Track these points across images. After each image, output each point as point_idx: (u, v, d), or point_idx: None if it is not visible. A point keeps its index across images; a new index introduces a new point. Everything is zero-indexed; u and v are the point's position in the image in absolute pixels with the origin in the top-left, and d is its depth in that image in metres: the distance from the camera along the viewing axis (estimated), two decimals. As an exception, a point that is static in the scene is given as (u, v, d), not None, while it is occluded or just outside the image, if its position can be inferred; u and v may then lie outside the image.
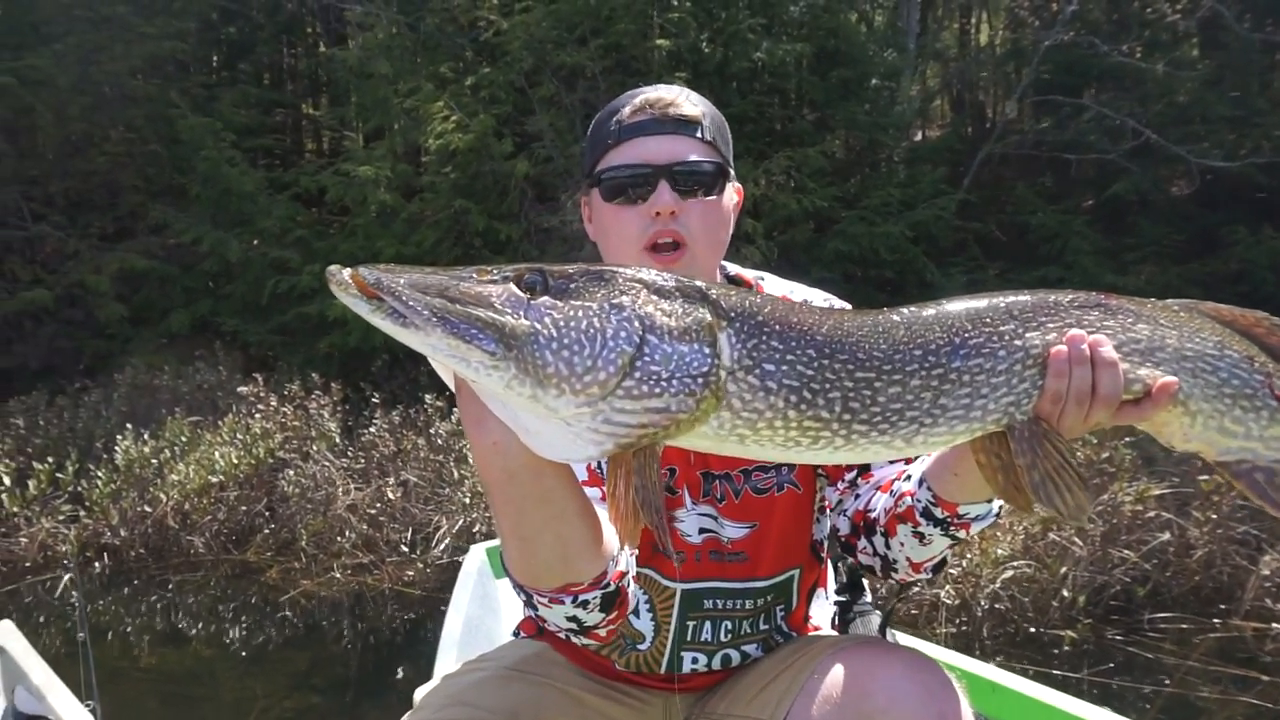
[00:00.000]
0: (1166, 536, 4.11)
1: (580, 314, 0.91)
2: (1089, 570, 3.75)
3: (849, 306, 1.44)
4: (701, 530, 1.46)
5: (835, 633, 1.61)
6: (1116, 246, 10.11)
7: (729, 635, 1.48)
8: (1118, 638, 3.82)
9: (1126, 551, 3.97)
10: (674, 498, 1.45)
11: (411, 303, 0.87)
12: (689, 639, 1.47)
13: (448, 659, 2.13)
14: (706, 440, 0.98)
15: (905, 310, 1.10)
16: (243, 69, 11.96)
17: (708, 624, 1.47)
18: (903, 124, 11.23)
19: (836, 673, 1.29)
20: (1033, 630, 3.91)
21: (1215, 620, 3.96)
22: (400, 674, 4.51)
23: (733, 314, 0.97)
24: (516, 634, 1.63)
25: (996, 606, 3.97)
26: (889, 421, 1.03)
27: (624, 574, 1.24)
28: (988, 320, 1.08)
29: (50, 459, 5.93)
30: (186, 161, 9.92)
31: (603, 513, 1.18)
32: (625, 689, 1.51)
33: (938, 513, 1.30)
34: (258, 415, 6.32)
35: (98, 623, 5.21)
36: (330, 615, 4.93)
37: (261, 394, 6.42)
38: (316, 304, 9.05)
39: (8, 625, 3.06)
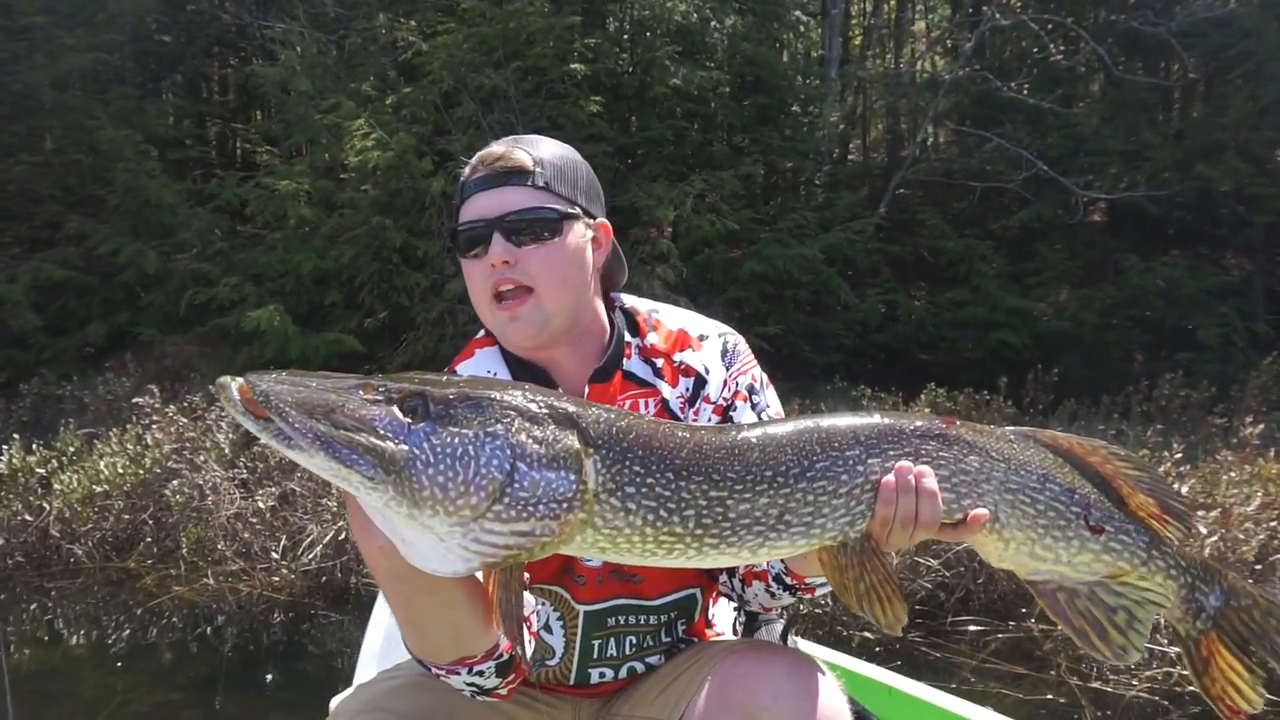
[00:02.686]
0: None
1: (456, 440, 0.95)
2: (899, 575, 3.99)
3: (734, 336, 1.60)
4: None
5: (734, 636, 1.70)
6: (1019, 271, 10.53)
7: (633, 649, 1.56)
8: (917, 639, 4.06)
9: (933, 560, 4.22)
10: None
11: (296, 425, 0.91)
12: (595, 656, 1.55)
13: (367, 670, 2.15)
14: (572, 550, 1.08)
15: (762, 429, 1.19)
16: (172, 81, 11.99)
17: (612, 640, 1.55)
18: (821, 150, 11.57)
19: (728, 674, 1.38)
20: (844, 632, 4.16)
21: (1011, 623, 4.24)
22: (270, 678, 4.62)
23: (599, 440, 1.03)
24: None
25: (815, 610, 4.20)
26: (737, 535, 1.14)
27: (515, 644, 1.30)
28: (836, 445, 1.17)
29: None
30: (106, 172, 9.93)
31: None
32: (535, 695, 1.59)
33: (787, 579, 1.45)
34: (153, 426, 6.37)
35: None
36: (198, 620, 5.02)
37: (157, 405, 6.47)
38: (234, 315, 9.11)
39: None
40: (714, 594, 1.65)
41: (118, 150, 9.60)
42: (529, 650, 1.37)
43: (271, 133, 10.61)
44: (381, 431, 0.94)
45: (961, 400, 7.41)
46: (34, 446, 6.28)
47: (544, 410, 1.02)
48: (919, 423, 1.23)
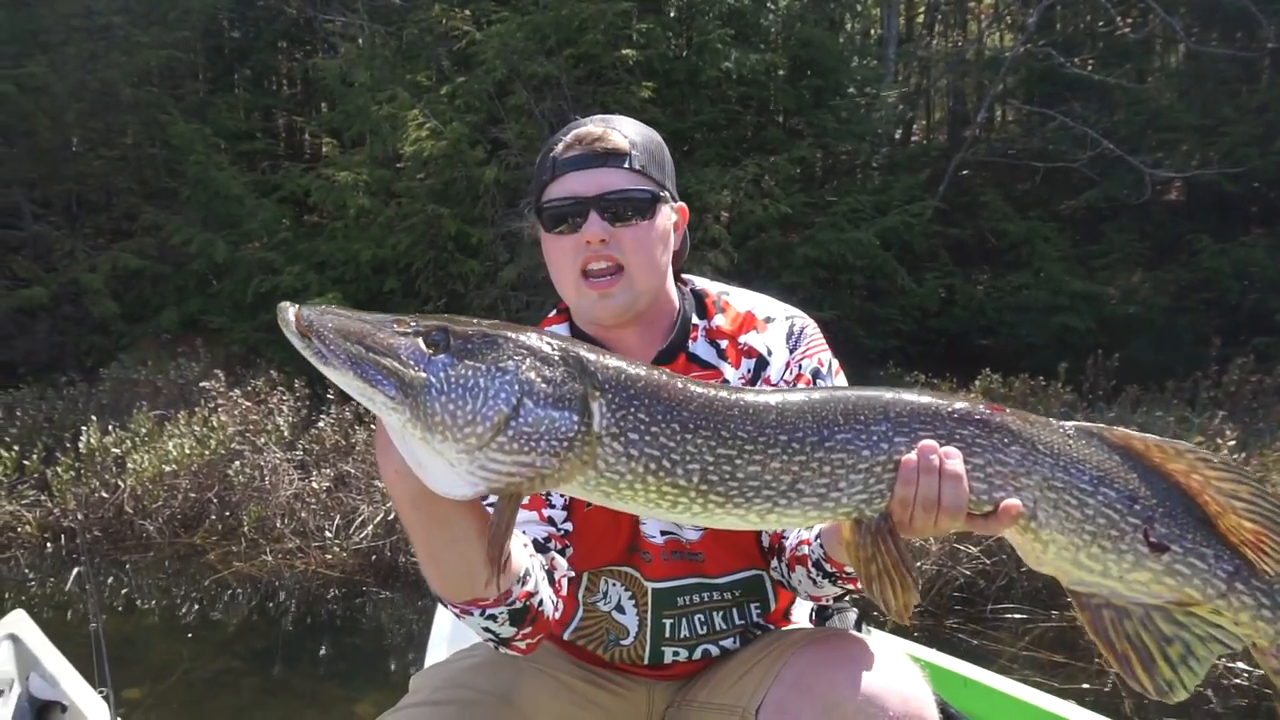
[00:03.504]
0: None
1: (469, 373, 1.01)
2: (936, 564, 3.94)
3: (803, 320, 1.58)
4: (663, 532, 1.54)
5: (811, 626, 1.67)
6: (1085, 253, 10.21)
7: (705, 629, 1.56)
8: (955, 625, 4.02)
9: (972, 547, 4.16)
10: None
11: (333, 346, 1.01)
12: (667, 636, 1.56)
13: (438, 651, 2.19)
14: (576, 491, 1.09)
15: (784, 394, 1.16)
16: (241, 75, 12.39)
17: (684, 620, 1.56)
18: (878, 132, 11.37)
19: (808, 663, 1.36)
20: (881, 617, 4.13)
21: (1053, 612, 4.15)
22: (323, 650, 4.82)
23: (607, 384, 1.05)
24: None
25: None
26: (744, 496, 1.10)
27: (532, 594, 1.32)
28: (862, 418, 1.12)
29: (17, 448, 6.33)
30: (178, 165, 10.34)
31: (518, 537, 1.32)
32: (610, 676, 1.60)
33: (827, 567, 1.41)
34: (219, 410, 6.65)
35: (56, 597, 5.57)
36: (258, 594, 5.26)
37: (222, 389, 6.75)
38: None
39: (20, 614, 3.08)
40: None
41: (188, 144, 9.98)
42: (529, 591, 1.33)
43: (333, 124, 10.89)
44: (405, 358, 1.01)
45: (1017, 386, 7.24)
46: (110, 428, 6.63)
47: (556, 353, 1.06)
48: (960, 405, 1.16)
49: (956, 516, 1.12)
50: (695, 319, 1.58)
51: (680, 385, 1.12)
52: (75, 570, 5.55)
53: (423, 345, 1.03)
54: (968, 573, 4.17)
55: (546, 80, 9.43)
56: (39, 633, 2.92)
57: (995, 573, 4.33)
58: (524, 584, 1.31)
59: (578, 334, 1.56)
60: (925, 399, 1.17)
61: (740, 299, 1.62)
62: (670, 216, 1.53)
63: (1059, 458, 1.13)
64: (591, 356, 1.08)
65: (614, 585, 1.57)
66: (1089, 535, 1.12)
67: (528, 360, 1.03)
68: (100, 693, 2.44)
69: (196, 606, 5.37)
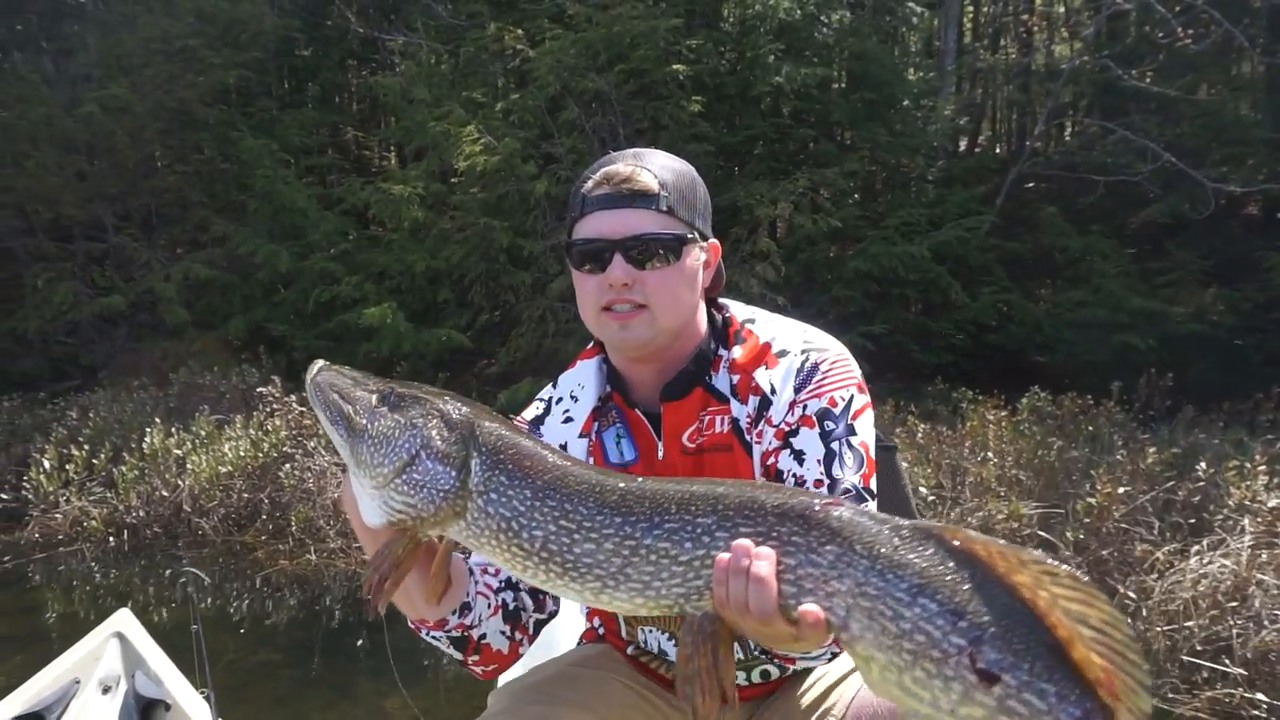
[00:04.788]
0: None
1: (391, 425, 1.17)
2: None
3: (822, 354, 1.46)
4: None
5: None
6: (1146, 270, 9.91)
7: (758, 650, 1.51)
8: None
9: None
10: None
11: (320, 394, 1.23)
12: None
13: (514, 668, 2.31)
14: (457, 537, 1.18)
15: (640, 480, 1.15)
16: (311, 93, 12.88)
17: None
18: (934, 145, 11.24)
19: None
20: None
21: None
22: (360, 643, 5.00)
23: (484, 448, 1.16)
24: (580, 643, 1.77)
25: None
26: (579, 572, 1.13)
27: (470, 627, 1.39)
28: (693, 508, 1.10)
29: (88, 447, 6.70)
30: (247, 179, 10.81)
31: (469, 574, 1.41)
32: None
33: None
34: (274, 415, 6.93)
35: (119, 589, 5.88)
36: (302, 591, 5.47)
37: (278, 394, 7.03)
38: (355, 313, 9.75)
39: (125, 613, 3.13)
40: None
41: (256, 158, 10.42)
42: (465, 624, 1.40)
43: (394, 139, 11.25)
44: (357, 408, 1.20)
45: (1067, 405, 7.07)
46: (174, 430, 6.96)
47: (457, 417, 1.19)
48: (788, 500, 1.07)
49: (769, 622, 1.04)
50: (721, 349, 1.53)
51: (543, 455, 1.17)
52: (168, 571, 5.84)
53: (374, 400, 1.21)
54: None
55: (598, 96, 9.60)
56: (144, 632, 3.00)
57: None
58: (462, 616, 1.39)
59: (610, 368, 1.57)
60: (756, 492, 1.09)
61: (765, 327, 1.54)
62: (699, 257, 1.49)
63: (876, 561, 1.00)
64: (484, 423, 1.19)
65: (650, 632, 1.57)
66: (909, 655, 0.96)
67: (433, 421, 1.17)
68: (202, 693, 2.52)
69: (246, 601, 5.61)
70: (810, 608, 1.03)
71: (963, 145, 13.33)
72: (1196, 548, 4.02)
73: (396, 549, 1.18)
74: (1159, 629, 3.83)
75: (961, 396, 7.94)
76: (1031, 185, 11.91)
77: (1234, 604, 3.68)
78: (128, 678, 2.79)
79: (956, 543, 0.98)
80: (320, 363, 1.29)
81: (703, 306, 1.54)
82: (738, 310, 1.58)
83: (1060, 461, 4.89)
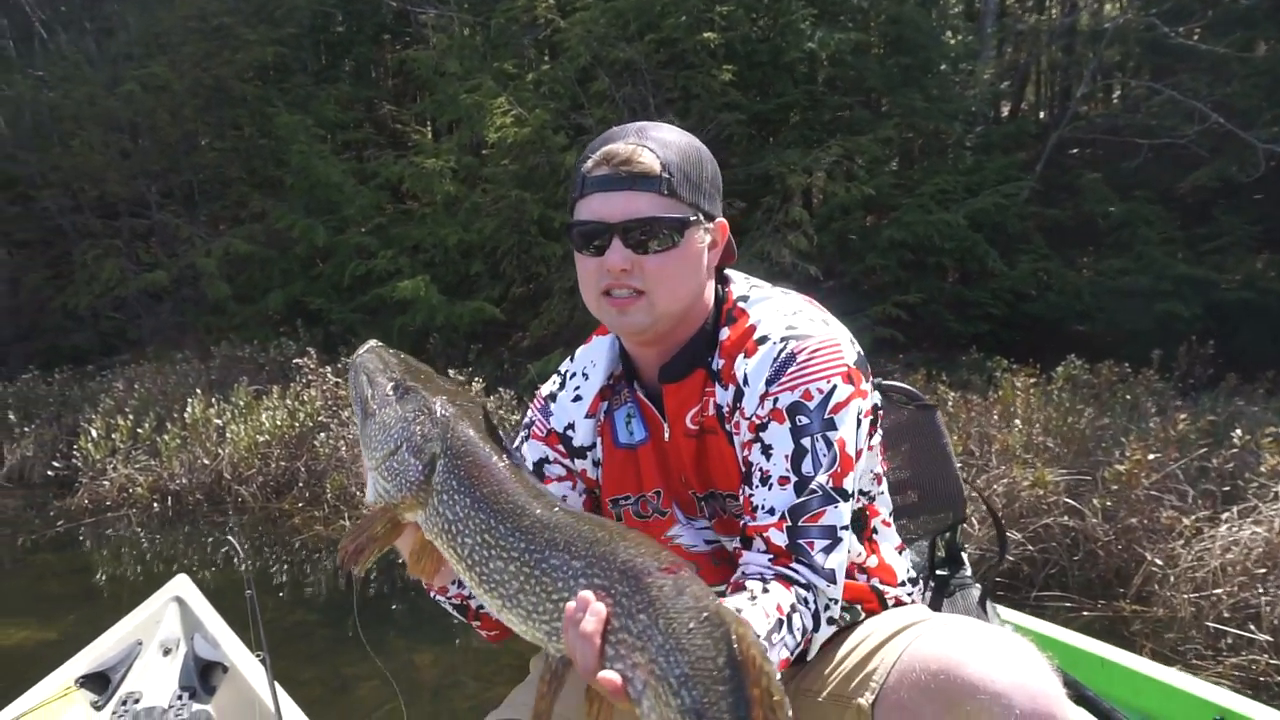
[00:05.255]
0: (1068, 520, 4.16)
1: (390, 415, 1.26)
2: (980, 549, 3.87)
3: (803, 342, 1.37)
4: (707, 541, 1.51)
5: (925, 607, 1.58)
6: (1192, 237, 9.63)
7: None
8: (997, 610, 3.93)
9: (1018, 534, 4.05)
10: (664, 518, 1.51)
11: (355, 375, 1.34)
12: None
13: None
14: (421, 526, 1.23)
15: (561, 507, 1.16)
16: (345, 68, 12.99)
17: None
18: (972, 110, 11.00)
19: (928, 654, 1.28)
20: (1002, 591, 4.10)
21: (1101, 602, 4.01)
22: (394, 607, 5.13)
23: (449, 451, 1.22)
24: None
25: (1019, 567, 4.18)
26: (490, 586, 1.17)
27: (467, 597, 1.41)
28: (575, 548, 1.11)
29: (133, 417, 6.92)
30: (283, 155, 10.96)
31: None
32: None
33: None
34: (310, 385, 7.09)
35: (166, 553, 6.09)
36: (334, 555, 5.62)
37: (314, 365, 7.18)
38: (391, 286, 9.88)
39: (183, 578, 3.22)
40: (872, 553, 1.52)
41: (291, 134, 10.56)
42: (464, 594, 1.43)
43: (426, 113, 11.30)
44: (374, 394, 1.30)
45: (1105, 373, 6.94)
46: (214, 401, 7.16)
47: (439, 414, 1.26)
48: (635, 557, 1.06)
49: (590, 676, 1.04)
50: (723, 329, 1.46)
51: (492, 468, 1.19)
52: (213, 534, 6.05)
53: (388, 389, 1.29)
54: (1011, 559, 4.09)
55: (628, 66, 9.54)
56: (201, 596, 3.10)
57: (1044, 560, 4.22)
58: (461, 586, 1.43)
59: (621, 345, 1.55)
60: (617, 545, 1.09)
61: (756, 308, 1.46)
62: (703, 239, 1.43)
63: (669, 639, 1.00)
64: (459, 427, 1.24)
65: None
66: None
67: (419, 416, 1.25)
68: (257, 655, 2.58)
69: (286, 565, 5.79)
70: (609, 675, 1.03)
71: (1005, 111, 13.03)
72: (1227, 515, 3.95)
73: (376, 525, 1.25)
74: (1186, 596, 3.78)
75: (996, 365, 7.83)
76: (1075, 151, 11.61)
77: (1263, 570, 3.61)
78: (187, 640, 2.87)
79: (739, 642, 0.97)
80: (370, 344, 1.35)
81: (711, 284, 1.48)
82: (738, 285, 1.51)
83: (1091, 429, 4.81)
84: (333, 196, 10.78)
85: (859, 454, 1.38)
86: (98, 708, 2.56)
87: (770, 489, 1.33)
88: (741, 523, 1.38)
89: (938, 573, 1.84)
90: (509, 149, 9.62)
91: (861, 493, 1.49)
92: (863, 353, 1.44)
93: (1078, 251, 10.69)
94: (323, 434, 6.45)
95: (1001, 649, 1.24)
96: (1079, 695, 1.66)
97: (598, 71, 9.56)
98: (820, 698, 1.43)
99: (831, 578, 1.31)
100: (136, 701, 2.58)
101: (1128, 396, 6.44)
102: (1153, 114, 9.81)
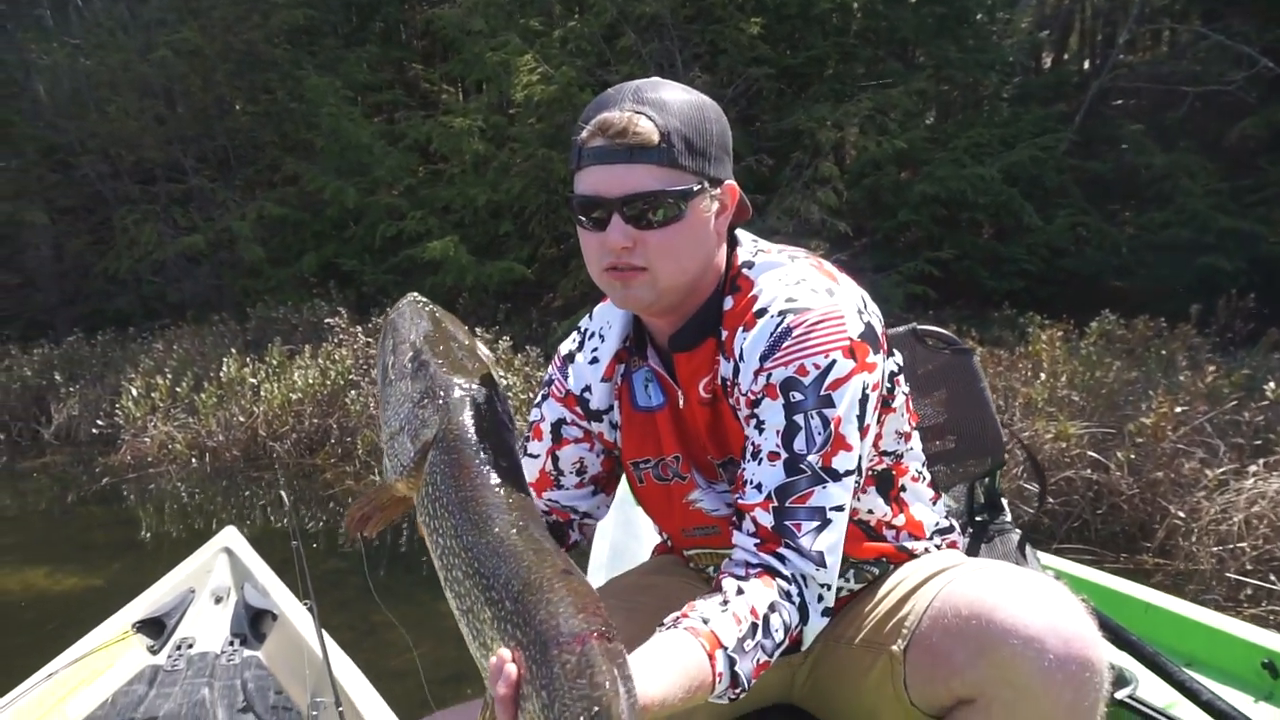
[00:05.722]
0: (1091, 474, 4.12)
1: (401, 390, 1.24)
2: (1010, 502, 3.83)
3: (801, 315, 1.30)
4: (728, 504, 1.45)
5: (958, 552, 1.54)
6: (1236, 188, 9.33)
7: None
8: (1037, 555, 3.92)
9: (1033, 486, 4.02)
10: (684, 482, 1.49)
11: (385, 332, 1.33)
12: None
13: (597, 579, 2.34)
14: (414, 499, 1.22)
15: (514, 531, 1.11)
16: (371, 30, 12.97)
17: None
18: (1009, 60, 10.70)
19: (960, 599, 1.27)
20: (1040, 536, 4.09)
21: (1123, 554, 3.97)
22: (423, 559, 5.26)
23: (442, 442, 1.19)
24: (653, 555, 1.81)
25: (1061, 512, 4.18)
26: (451, 591, 1.13)
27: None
28: (510, 588, 1.05)
29: (172, 376, 7.11)
30: (314, 118, 11.03)
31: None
32: None
33: None
34: (341, 344, 7.21)
35: (204, 504, 6.29)
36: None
37: (345, 325, 7.29)
38: (421, 247, 9.96)
39: (231, 530, 3.28)
40: (897, 490, 1.49)
41: (321, 97, 10.61)
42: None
43: (454, 73, 11.28)
44: (395, 361, 1.28)
45: (1140, 328, 6.80)
46: (249, 361, 7.32)
47: (442, 400, 1.22)
48: (552, 619, 1.00)
49: None
50: (727, 299, 1.40)
51: (478, 470, 1.15)
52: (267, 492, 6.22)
53: (407, 359, 1.26)
54: (1030, 510, 4.07)
55: (654, 21, 9.42)
56: (249, 547, 3.17)
57: (1065, 513, 4.19)
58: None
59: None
60: (541, 599, 1.03)
61: (760, 277, 1.38)
62: (710, 207, 1.34)
63: (560, 696, 0.97)
64: (460, 417, 1.20)
65: (708, 570, 1.54)
66: None
67: (424, 400, 1.22)
68: (305, 604, 2.63)
69: (318, 519, 5.95)
70: None
71: (1047, 62, 12.65)
72: (1254, 468, 3.88)
73: (383, 495, 1.25)
74: (1209, 549, 3.74)
75: (1029, 321, 7.71)
76: (1119, 103, 11.25)
77: (1289, 523, 3.56)
78: (237, 589, 2.94)
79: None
80: (410, 298, 1.33)
81: (723, 249, 1.41)
82: (745, 249, 1.43)
83: (1119, 383, 4.73)
84: (363, 158, 10.84)
85: (864, 431, 1.30)
86: (154, 651, 2.66)
87: (760, 464, 1.28)
88: (734, 497, 1.34)
89: (976, 518, 1.82)
90: (536, 107, 9.59)
91: (886, 453, 1.45)
92: (877, 321, 1.35)
93: (1117, 205, 10.42)
94: (353, 391, 6.58)
95: (1034, 592, 1.22)
96: (1122, 639, 1.63)
97: (624, 27, 9.45)
98: (853, 645, 1.42)
99: (820, 560, 1.25)
100: (190, 646, 2.67)
101: (1163, 352, 6.31)
102: (1199, 60, 9.47)
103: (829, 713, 1.50)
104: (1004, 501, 1.85)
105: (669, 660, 1.11)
